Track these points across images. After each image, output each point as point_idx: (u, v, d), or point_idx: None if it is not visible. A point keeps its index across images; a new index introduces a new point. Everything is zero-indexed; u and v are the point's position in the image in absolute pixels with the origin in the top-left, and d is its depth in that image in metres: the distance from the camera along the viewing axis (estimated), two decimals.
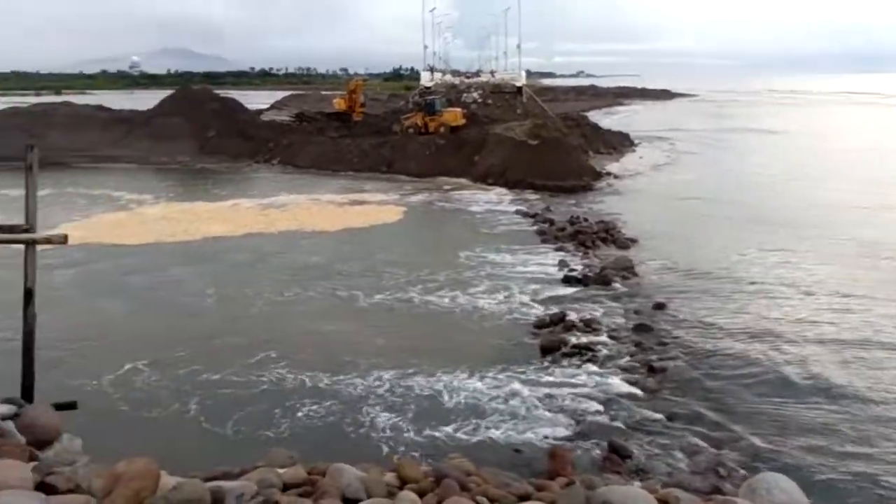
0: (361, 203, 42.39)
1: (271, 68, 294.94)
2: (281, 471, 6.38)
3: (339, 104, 71.20)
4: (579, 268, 27.62)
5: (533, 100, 69.53)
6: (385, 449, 14.22)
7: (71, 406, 8.50)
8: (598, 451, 14.24)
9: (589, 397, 16.78)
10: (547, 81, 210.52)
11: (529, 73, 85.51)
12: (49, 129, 60.25)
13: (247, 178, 54.44)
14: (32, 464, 6.00)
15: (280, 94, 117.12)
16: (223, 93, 79.12)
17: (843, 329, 20.86)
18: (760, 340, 19.99)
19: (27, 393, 8.65)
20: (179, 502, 5.13)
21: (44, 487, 5.38)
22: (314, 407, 16.18)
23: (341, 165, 55.83)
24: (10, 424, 6.80)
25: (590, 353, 19.22)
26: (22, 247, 9.76)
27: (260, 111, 79.28)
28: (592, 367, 18.45)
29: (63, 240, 9.53)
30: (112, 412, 15.44)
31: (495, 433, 15.08)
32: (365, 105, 73.00)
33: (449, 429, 15.23)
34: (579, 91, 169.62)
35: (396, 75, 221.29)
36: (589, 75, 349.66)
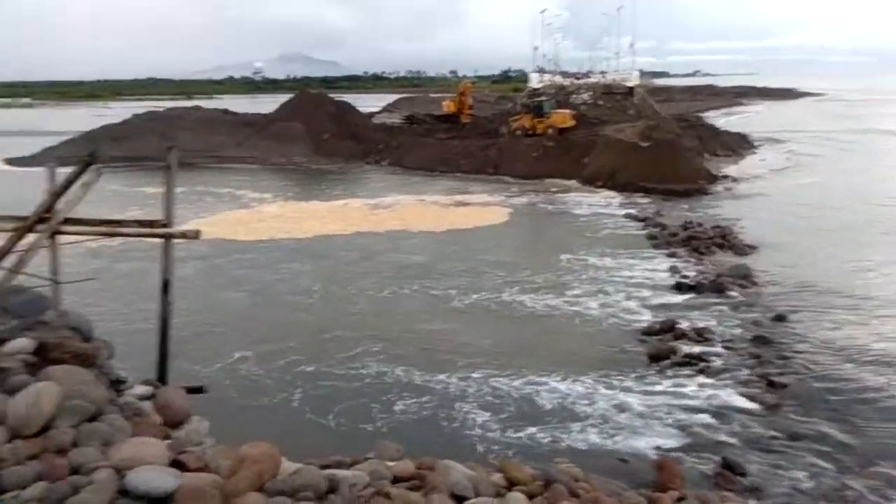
0: (467, 204, 42.74)
1: (384, 72, 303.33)
2: (390, 463, 6.57)
3: (448, 106, 72.10)
4: (692, 274, 26.56)
5: (645, 100, 67.51)
6: (481, 448, 14.21)
7: (200, 390, 9.13)
8: (709, 466, 13.63)
9: (700, 409, 16.11)
10: (661, 81, 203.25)
11: (642, 73, 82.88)
12: (181, 131, 64.76)
13: (358, 178, 56.18)
14: (167, 442, 6.48)
15: (391, 98, 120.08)
16: (338, 96, 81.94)
17: None
18: (893, 364, 18.44)
19: (162, 376, 9.38)
20: (298, 487, 5.39)
21: (176, 464, 5.81)
22: (412, 402, 16.49)
23: (448, 167, 56.48)
24: (147, 405, 7.34)
25: (702, 364, 18.41)
26: (158, 241, 10.59)
27: (372, 114, 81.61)
28: (704, 379, 17.69)
29: (196, 235, 10.24)
30: (223, 398, 16.33)
31: (598, 440, 14.76)
32: (473, 107, 73.49)
33: (548, 432, 15.05)
34: (695, 91, 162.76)
35: (505, 77, 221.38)
36: (705, 74, 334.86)
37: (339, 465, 6.82)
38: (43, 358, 6.54)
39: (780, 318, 21.48)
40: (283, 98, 77.43)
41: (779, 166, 56.46)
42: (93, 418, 5.73)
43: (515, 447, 14.28)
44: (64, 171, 10.51)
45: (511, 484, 6.13)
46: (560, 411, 16.01)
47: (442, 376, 17.78)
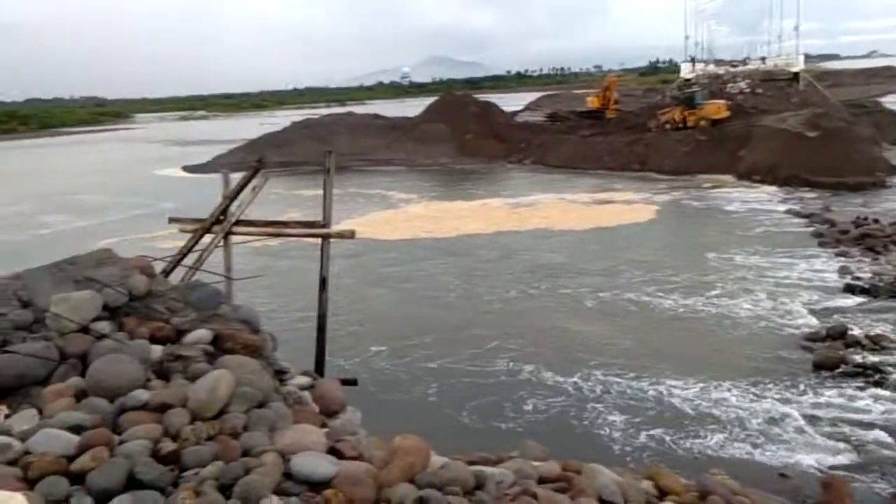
0: (611, 202, 41.67)
1: (527, 70, 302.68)
2: (536, 463, 6.59)
3: (592, 102, 70.74)
4: (866, 275, 24.19)
5: (812, 86, 62.29)
6: (620, 453, 13.86)
7: (353, 382, 9.67)
8: (883, 487, 12.39)
9: (874, 425, 14.70)
10: (829, 65, 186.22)
11: (808, 58, 76.42)
12: (335, 136, 68.52)
13: (500, 177, 56.51)
14: (324, 430, 6.91)
15: (534, 96, 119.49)
16: (482, 97, 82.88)
17: None
18: None
19: (319, 367, 10.03)
20: (447, 480, 5.55)
21: (333, 451, 6.19)
22: (545, 401, 16.42)
23: (592, 164, 55.31)
24: (306, 395, 7.85)
25: (878, 375, 16.78)
26: (316, 240, 11.34)
27: (514, 113, 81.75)
28: (880, 392, 16.10)
29: (351, 235, 10.86)
30: (364, 391, 17.08)
31: (755, 452, 13.88)
32: (619, 102, 71.52)
33: (697, 442, 14.37)
34: (870, 74, 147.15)
35: (653, 69, 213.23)
36: (883, 55, 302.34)
37: (485, 462, 6.93)
38: (218, 348, 7.23)
39: None
40: (429, 101, 79.54)
41: None
42: (260, 405, 6.24)
43: (658, 455, 13.76)
44: (235, 177, 11.55)
45: (662, 493, 5.93)
46: (707, 419, 15.25)
47: (576, 377, 17.59)
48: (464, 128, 67.67)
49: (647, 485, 6.08)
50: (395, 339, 20.78)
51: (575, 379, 17.51)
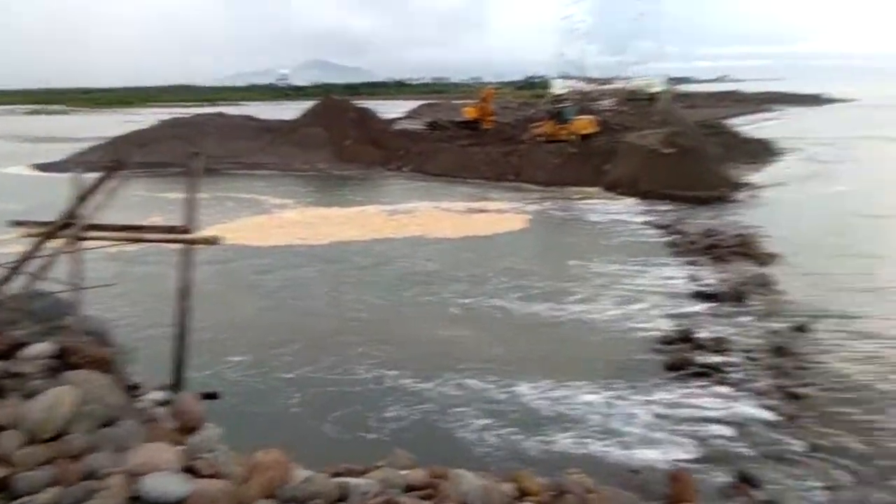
0: (486, 211, 42.78)
1: (407, 78, 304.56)
2: (403, 472, 6.63)
3: (469, 113, 72.20)
4: (712, 282, 26.33)
5: (669, 107, 67.06)
6: (487, 458, 14.16)
7: (214, 396, 9.28)
8: (724, 479, 13.52)
9: (717, 421, 15.95)
10: (686, 87, 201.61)
11: (668, 79, 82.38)
12: (205, 137, 65.64)
13: (378, 184, 56.49)
14: (180, 448, 6.61)
15: (414, 104, 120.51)
16: (361, 103, 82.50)
17: None
18: None
19: (177, 381, 9.54)
20: (309, 494, 5.48)
21: (189, 470, 5.93)
22: (411, 409, 16.53)
23: (470, 173, 56.55)
24: (162, 411, 7.48)
25: (720, 375, 18.25)
26: (178, 246, 10.78)
27: (394, 120, 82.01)
28: (722, 389, 17.50)
29: (216, 241, 10.41)
30: (225, 404, 16.51)
31: (609, 451, 14.68)
32: (496, 113, 73.53)
33: (558, 442, 15.00)
34: (720, 97, 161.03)
35: (529, 83, 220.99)
36: (731, 80, 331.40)
37: (350, 473, 6.90)
38: (63, 362, 6.72)
39: (800, 329, 21.21)
40: (307, 104, 78.13)
41: (803, 174, 55.67)
42: (109, 423, 5.87)
43: (524, 457, 14.22)
44: (91, 177, 10.77)
45: (522, 494, 6.16)
46: (569, 421, 15.93)
47: (442, 382, 17.84)
48: (342, 133, 67.03)
49: (508, 487, 6.29)
50: (261, 348, 20.18)
51: (441, 384, 17.75)
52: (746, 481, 13.22)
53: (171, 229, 10.79)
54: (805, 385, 17.44)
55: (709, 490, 12.68)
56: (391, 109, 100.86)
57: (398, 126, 76.63)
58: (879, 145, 74.79)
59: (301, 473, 5.96)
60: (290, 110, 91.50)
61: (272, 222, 40.14)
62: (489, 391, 17.46)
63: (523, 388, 17.53)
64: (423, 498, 5.95)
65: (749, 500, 12.50)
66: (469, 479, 6.28)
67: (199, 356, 18.75)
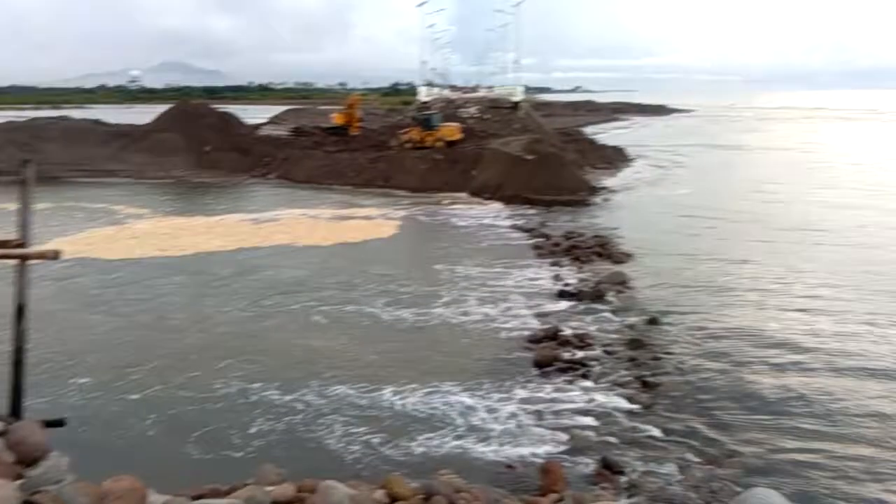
0: (356, 218, 42.47)
1: (270, 83, 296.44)
2: (269, 488, 6.37)
3: (336, 119, 71.53)
4: (574, 282, 27.66)
5: (530, 115, 69.90)
6: (363, 465, 14.04)
7: (59, 424, 8.46)
8: (590, 467, 14.19)
9: (583, 413, 16.74)
10: (544, 96, 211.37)
11: (527, 89, 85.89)
12: (45, 143, 60.36)
13: (243, 192, 54.53)
14: (19, 482, 5.98)
15: (278, 109, 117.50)
16: (221, 107, 79.25)
17: (845, 342, 20.84)
18: (756, 355, 20.00)
19: (15, 409, 8.62)
20: None
21: None
22: (283, 420, 16.12)
23: (338, 180, 55.95)
24: None
25: (584, 369, 19.17)
26: (12, 262, 9.77)
27: (257, 126, 79.57)
28: (586, 383, 18.39)
29: (55, 255, 9.55)
30: (73, 431, 15.30)
31: (485, 449, 14.98)
32: (363, 120, 73.31)
33: (430, 445, 15.10)
34: (576, 106, 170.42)
35: (395, 90, 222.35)
36: (586, 91, 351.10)
37: (214, 494, 6.54)
38: None
39: (653, 321, 22.75)
40: (162, 108, 73.94)
41: (653, 178, 60.05)
42: None
43: (396, 462, 14.15)
44: None
45: (393, 500, 6.11)
46: (440, 422, 16.09)
47: (310, 392, 17.51)
48: (201, 139, 63.98)
49: (380, 494, 6.22)
50: (111, 369, 18.73)
51: (308, 394, 17.37)
52: (609, 468, 13.95)
53: (3, 244, 9.78)
54: (658, 374, 18.70)
55: (576, 478, 13.24)
56: (254, 114, 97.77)
57: (262, 132, 74.38)
58: (713, 152, 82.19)
59: (157, 499, 5.57)
60: (141, 114, 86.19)
61: (124, 233, 37.58)
62: (358, 398, 17.27)
63: (393, 394, 17.49)
64: None
65: (612, 485, 13.19)
66: (338, 490, 6.14)
67: (46, 382, 17.28)
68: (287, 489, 6.27)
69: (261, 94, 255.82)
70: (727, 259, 30.99)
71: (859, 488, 13.41)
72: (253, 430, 15.67)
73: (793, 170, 63.26)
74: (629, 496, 11.69)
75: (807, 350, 20.28)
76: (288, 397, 17.27)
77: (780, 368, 19.08)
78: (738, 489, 12.01)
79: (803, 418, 16.22)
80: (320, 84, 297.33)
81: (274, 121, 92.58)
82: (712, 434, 15.59)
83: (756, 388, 17.87)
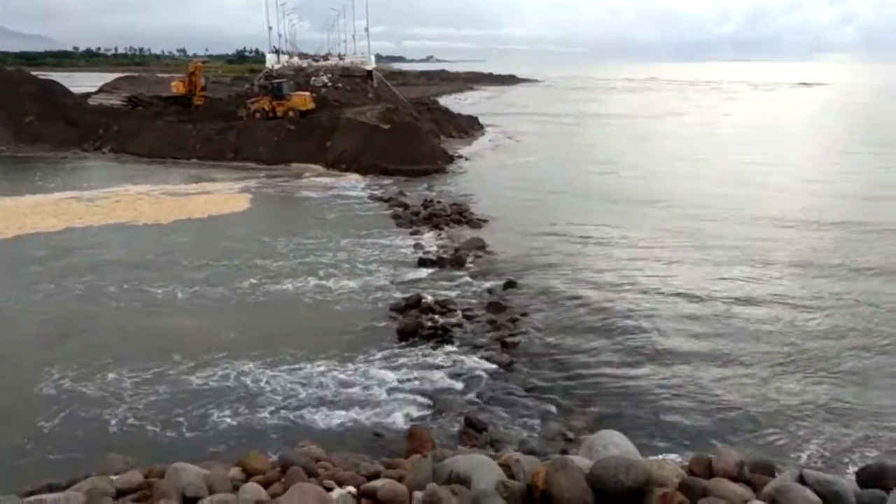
0: (206, 193, 40.24)
1: (98, 48, 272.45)
2: (114, 478, 5.87)
3: (177, 87, 67.06)
4: (433, 249, 28.01)
5: (384, 84, 69.38)
6: (228, 447, 13.48)
7: None
8: (456, 428, 14.54)
9: (447, 376, 17.09)
10: (397, 66, 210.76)
11: (379, 58, 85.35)
12: None
13: (76, 167, 49.92)
14: None
15: (109, 77, 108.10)
16: (42, 75, 71.65)
17: (687, 295, 22.58)
18: (606, 311, 21.28)
19: None
20: None
21: None
22: (148, 407, 15.28)
23: (183, 153, 52.69)
24: None
25: (446, 334, 19.54)
26: None
27: (87, 94, 72.82)
28: (449, 347, 18.77)
29: None
30: None
31: (354, 419, 14.94)
32: (206, 89, 69.26)
33: (304, 419, 14.90)
34: (429, 76, 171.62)
35: (240, 57, 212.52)
36: (438, 60, 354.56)
37: (51, 489, 5.93)
38: None
39: (510, 284, 23.56)
40: None
41: (505, 145, 61.95)
42: None
43: (263, 440, 13.81)
44: None
45: (249, 475, 5.84)
46: (317, 396, 15.87)
47: (164, 378, 16.63)
48: (21, 109, 57.61)
49: (235, 471, 5.92)
50: None
51: (161, 380, 16.53)
52: (473, 426, 14.36)
53: None
54: (516, 335, 19.45)
55: (443, 439, 13.50)
56: (82, 83, 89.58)
57: (92, 101, 68.14)
58: (563, 119, 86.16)
59: None
60: None
61: None
62: (219, 378, 16.55)
63: (254, 370, 16.94)
64: (138, 500, 5.33)
65: (477, 441, 13.59)
66: (189, 471, 5.77)
67: None
68: (133, 476, 5.81)
69: (87, 60, 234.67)
70: (576, 221, 32.62)
71: (694, 423, 14.76)
72: (109, 424, 14.58)
73: (626, 138, 67.82)
74: (494, 450, 12.08)
75: (656, 306, 21.74)
76: (148, 383, 16.26)
77: (630, 323, 20.36)
78: (587, 437, 12.77)
79: (652, 367, 17.49)
80: (156, 50, 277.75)
81: (105, 89, 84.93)
82: (569, 387, 16.47)
83: (609, 343, 19.02)
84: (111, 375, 16.68)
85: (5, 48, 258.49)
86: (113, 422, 14.75)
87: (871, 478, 5.40)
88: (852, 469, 10.79)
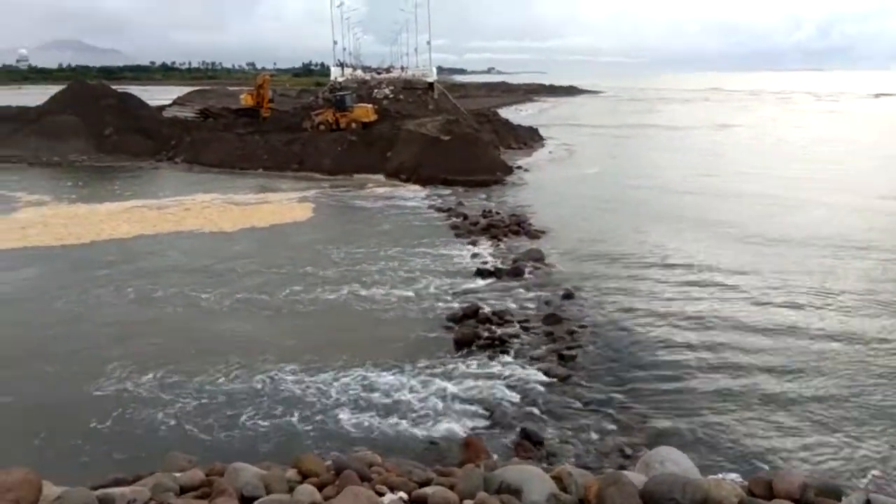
0: (270, 202, 41.37)
1: (173, 62, 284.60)
2: (178, 475, 6.09)
3: (246, 100, 69.18)
4: (491, 260, 27.98)
5: (444, 96, 69.85)
6: (288, 450, 13.77)
7: None
8: (511, 439, 14.45)
9: (504, 388, 17.00)
10: (458, 78, 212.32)
11: (441, 70, 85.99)
12: None
13: (151, 177, 52.14)
14: None
15: (183, 90, 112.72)
16: (121, 88, 75.20)
17: (744, 313, 21.89)
18: (664, 324, 20.83)
19: None
20: None
21: None
22: (202, 411, 15.73)
23: (250, 163, 54.33)
24: None
25: (503, 345, 19.46)
26: None
27: (162, 107, 76.07)
28: (506, 358, 18.69)
29: None
30: None
31: (410, 427, 15.03)
32: (273, 101, 71.27)
33: (363, 425, 15.08)
34: (490, 87, 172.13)
35: (306, 71, 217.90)
36: (499, 72, 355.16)
37: (117, 484, 6.19)
38: None
39: (568, 296, 23.31)
40: (55, 90, 69.41)
41: (565, 157, 61.46)
42: None
43: (321, 445, 14.05)
44: None
45: (304, 477, 5.96)
46: (375, 403, 16.05)
47: (228, 379, 17.14)
48: (101, 121, 60.61)
49: (291, 473, 6.06)
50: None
51: (225, 381, 16.99)
52: (529, 439, 14.24)
53: None
54: (573, 347, 19.19)
55: (498, 450, 13.44)
56: (157, 96, 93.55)
57: (167, 114, 71.11)
58: (624, 131, 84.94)
59: (54, 490, 5.21)
60: (32, 95, 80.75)
61: (23, 220, 35.30)
62: (278, 384, 16.94)
63: (327, 376, 17.28)
64: (200, 497, 5.51)
65: (532, 454, 13.47)
66: (247, 471, 5.94)
67: None
68: (195, 474, 6.01)
69: (163, 74, 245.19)
70: (636, 235, 32.03)
71: (757, 442, 14.24)
72: (165, 423, 15.12)
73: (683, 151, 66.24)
74: (548, 464, 11.95)
75: (715, 320, 21.17)
76: (205, 385, 16.77)
77: (689, 337, 19.89)
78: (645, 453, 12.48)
79: (712, 383, 17.01)
80: (227, 64, 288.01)
81: (179, 102, 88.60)
82: (627, 402, 16.16)
83: (668, 357, 18.60)
84: (164, 376, 17.24)
85: (85, 62, 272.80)
86: (171, 422, 15.23)
87: None
88: None
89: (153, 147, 59.32)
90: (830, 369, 17.74)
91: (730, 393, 16.48)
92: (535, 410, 15.85)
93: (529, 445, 14.04)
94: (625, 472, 5.38)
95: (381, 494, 5.32)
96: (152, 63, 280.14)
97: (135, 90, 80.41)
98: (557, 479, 5.55)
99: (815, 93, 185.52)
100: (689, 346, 19.20)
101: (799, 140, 73.38)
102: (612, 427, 15.04)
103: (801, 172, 50.13)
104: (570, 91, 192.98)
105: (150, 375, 17.30)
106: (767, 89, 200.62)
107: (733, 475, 12.05)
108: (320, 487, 5.49)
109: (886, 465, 13.36)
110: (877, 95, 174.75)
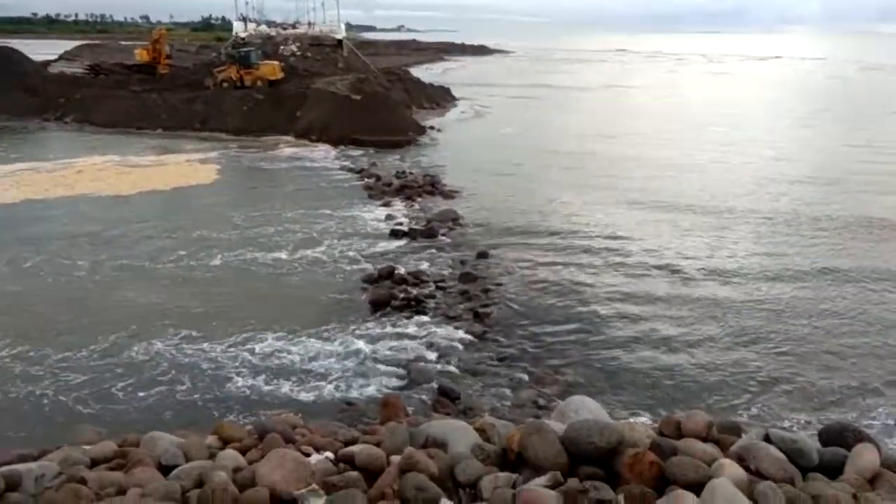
0: (173, 164, 39.46)
1: (58, 14, 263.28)
2: (87, 447, 5.82)
3: (141, 55, 65.27)
4: (406, 221, 27.93)
5: (354, 54, 68.30)
6: (204, 417, 13.49)
7: None
8: (429, 396, 14.68)
9: (420, 347, 17.18)
10: (368, 35, 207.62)
11: (350, 27, 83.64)
12: None
13: (38, 137, 48.50)
14: None
15: (70, 44, 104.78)
16: (0, 41, 69.16)
17: (653, 270, 22.85)
18: (575, 282, 21.52)
19: None
20: None
21: None
22: (125, 381, 15.14)
23: (149, 123, 51.43)
24: None
25: (419, 305, 19.60)
26: None
27: (47, 62, 70.59)
28: (423, 318, 18.85)
29: None
30: None
31: (328, 389, 15.00)
32: (171, 57, 67.58)
33: (279, 389, 14.92)
34: (400, 45, 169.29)
35: (206, 25, 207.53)
36: (409, 30, 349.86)
37: (23, 460, 5.86)
38: None
39: (482, 255, 23.66)
40: None
41: (477, 116, 61.68)
42: None
43: (240, 410, 13.83)
44: None
45: (225, 443, 5.84)
46: (292, 367, 15.88)
47: (134, 350, 16.51)
48: None
49: (211, 439, 5.92)
50: None
51: (131, 352, 16.37)
52: (446, 395, 14.51)
53: None
54: (488, 305, 19.58)
55: (417, 408, 13.61)
56: (40, 50, 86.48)
57: (53, 69, 66.06)
58: (535, 91, 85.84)
59: None
60: None
61: None
62: (187, 352, 16.45)
63: (244, 340, 16.91)
64: (113, 469, 5.29)
65: (450, 409, 13.73)
66: (165, 440, 5.76)
67: None
68: (108, 446, 5.76)
69: (47, 26, 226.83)
70: (548, 194, 32.72)
71: (659, 389, 15.12)
72: (71, 395, 14.41)
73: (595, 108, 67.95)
74: (466, 418, 12.22)
75: (622, 279, 22.06)
76: (108, 357, 16.03)
77: (597, 294, 20.65)
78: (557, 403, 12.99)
79: (618, 339, 17.78)
80: (118, 17, 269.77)
81: (66, 57, 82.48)
82: (540, 357, 16.68)
83: (577, 314, 19.26)
84: (54, 351, 16.36)
85: None
86: (71, 396, 14.54)
87: (832, 436, 5.60)
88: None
89: (39, 105, 55.14)
90: (720, 316, 18.98)
91: (635, 341, 17.33)
92: (452, 368, 16.13)
93: (447, 401, 14.31)
94: (545, 421, 5.57)
95: (308, 455, 5.29)
96: (34, 14, 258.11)
97: (15, 44, 74.15)
98: (481, 431, 5.69)
99: (707, 55, 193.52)
100: (598, 300, 19.97)
101: (687, 101, 76.86)
102: (527, 380, 15.52)
103: (683, 134, 52.58)
104: (481, 50, 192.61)
105: (37, 350, 16.33)
106: (665, 51, 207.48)
107: (643, 418, 12.77)
108: (243, 452, 5.39)
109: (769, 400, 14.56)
110: (762, 59, 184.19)
